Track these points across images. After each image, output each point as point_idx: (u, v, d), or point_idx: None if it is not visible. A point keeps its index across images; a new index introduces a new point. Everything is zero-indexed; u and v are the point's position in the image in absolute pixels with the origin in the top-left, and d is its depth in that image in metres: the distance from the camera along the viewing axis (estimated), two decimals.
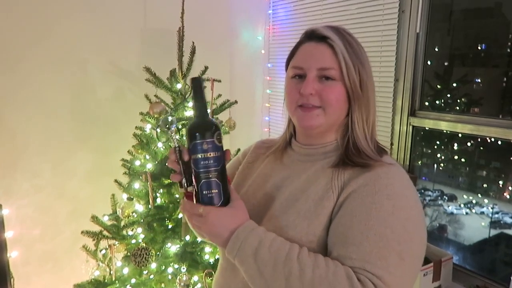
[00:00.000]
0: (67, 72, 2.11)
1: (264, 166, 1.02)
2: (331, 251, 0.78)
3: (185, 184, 0.82)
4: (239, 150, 1.98)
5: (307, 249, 0.76)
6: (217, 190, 0.79)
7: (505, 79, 1.87)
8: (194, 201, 0.80)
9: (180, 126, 1.76)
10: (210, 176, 0.78)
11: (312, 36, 0.89)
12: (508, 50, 1.84)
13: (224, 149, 0.81)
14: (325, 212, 0.81)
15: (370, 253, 0.72)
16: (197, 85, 0.82)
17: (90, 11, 2.12)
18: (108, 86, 2.24)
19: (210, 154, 0.78)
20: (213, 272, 1.64)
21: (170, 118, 0.89)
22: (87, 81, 2.17)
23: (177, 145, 0.82)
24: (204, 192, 0.79)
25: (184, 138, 1.74)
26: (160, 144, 1.75)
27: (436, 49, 2.04)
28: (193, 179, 0.80)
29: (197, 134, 0.78)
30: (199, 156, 0.78)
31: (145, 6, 2.28)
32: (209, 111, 1.81)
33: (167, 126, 0.89)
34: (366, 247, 0.73)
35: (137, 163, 1.77)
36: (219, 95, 1.92)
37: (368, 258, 0.72)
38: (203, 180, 0.78)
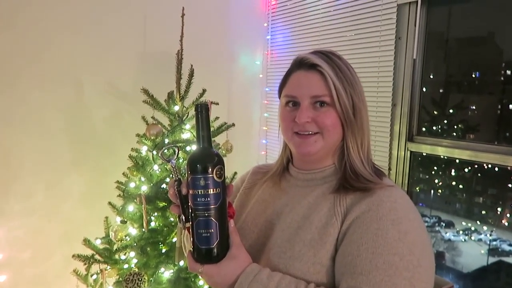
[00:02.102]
0: (64, 92, 2.10)
1: (262, 192, 1.01)
2: (339, 282, 0.76)
3: (183, 220, 0.77)
4: (235, 173, 1.97)
5: (314, 286, 0.75)
6: (213, 230, 0.74)
7: (499, 106, 1.89)
8: (190, 237, 0.77)
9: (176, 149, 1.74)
10: (207, 214, 0.74)
11: (301, 64, 0.89)
12: (502, 78, 1.87)
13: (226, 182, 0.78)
14: (331, 239, 0.80)
15: (380, 283, 0.70)
16: (203, 111, 0.76)
17: (90, 32, 2.14)
18: (105, 107, 2.23)
19: (208, 191, 0.73)
20: None
21: (170, 149, 0.84)
22: (84, 102, 2.17)
23: (177, 178, 0.78)
24: (199, 230, 0.74)
25: (181, 160, 1.73)
26: (156, 167, 1.73)
27: (431, 76, 2.06)
28: (191, 216, 0.76)
29: (196, 167, 0.74)
30: (196, 192, 0.74)
31: (145, 28, 2.31)
32: None
33: (167, 158, 0.85)
34: (376, 277, 0.71)
35: (132, 185, 1.75)
36: (217, 118, 1.92)
37: None
38: (199, 218, 0.74)
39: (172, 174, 0.80)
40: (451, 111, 2.10)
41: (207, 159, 0.74)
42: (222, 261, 0.76)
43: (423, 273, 0.74)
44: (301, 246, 0.81)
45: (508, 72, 1.83)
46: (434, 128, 2.12)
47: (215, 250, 0.76)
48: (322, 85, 0.85)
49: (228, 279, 0.76)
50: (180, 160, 1.74)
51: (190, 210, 0.76)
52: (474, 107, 2.00)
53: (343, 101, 0.85)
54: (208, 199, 0.73)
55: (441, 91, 2.11)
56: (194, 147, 1.77)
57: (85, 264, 1.67)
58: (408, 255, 0.73)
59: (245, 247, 0.82)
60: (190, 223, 0.76)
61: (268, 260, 0.84)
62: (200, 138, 0.77)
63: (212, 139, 1.84)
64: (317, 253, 0.79)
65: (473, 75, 2.00)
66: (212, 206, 0.74)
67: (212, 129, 1.87)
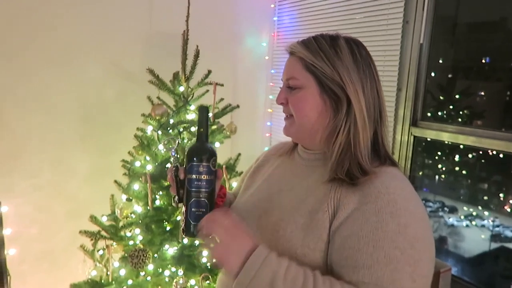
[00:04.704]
0: (70, 70, 2.11)
1: (273, 170, 1.03)
2: (341, 275, 0.75)
3: (177, 201, 0.89)
4: (239, 154, 1.99)
5: (320, 274, 0.74)
6: (205, 210, 0.85)
7: (508, 92, 1.87)
8: (183, 217, 0.86)
9: (181, 129, 1.76)
10: (201, 196, 0.85)
11: (286, 49, 0.93)
12: None
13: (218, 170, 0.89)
14: (320, 224, 0.80)
15: (382, 277, 0.70)
16: (204, 113, 0.89)
17: (96, 11, 2.14)
18: (111, 86, 2.25)
19: (203, 177, 0.85)
20: (209, 276, 1.63)
21: (175, 141, 1.01)
22: (90, 80, 2.18)
23: (175, 165, 0.91)
24: (193, 209, 0.85)
25: (185, 141, 1.75)
26: (160, 146, 1.75)
27: (440, 61, 2.04)
28: (185, 197, 0.87)
29: (195, 157, 0.85)
30: (193, 176, 0.85)
31: (151, 8, 2.30)
32: (210, 114, 1.84)
33: (170, 147, 1.00)
34: (377, 271, 0.71)
35: (137, 164, 1.77)
36: (222, 99, 1.93)
37: (380, 283, 0.70)
38: (193, 199, 0.85)
39: (172, 161, 0.93)
40: (457, 96, 2.09)
41: (206, 151, 0.87)
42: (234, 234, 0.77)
43: (424, 267, 0.73)
44: (293, 228, 0.83)
45: None
46: (440, 113, 2.12)
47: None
48: (295, 67, 0.88)
49: (238, 252, 0.75)
50: (185, 140, 1.76)
51: (185, 193, 0.87)
52: (482, 93, 1.99)
53: (323, 80, 0.85)
54: (204, 183, 0.85)
55: (449, 76, 2.10)
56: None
57: (91, 240, 1.71)
58: (409, 249, 0.72)
59: (245, 220, 0.87)
60: (183, 204, 0.87)
61: (262, 235, 0.87)
62: (200, 134, 0.89)
63: (217, 120, 1.87)
64: (306, 236, 0.80)
65: (483, 61, 1.97)
66: (206, 190, 0.85)
67: (216, 110, 1.88)
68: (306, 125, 0.88)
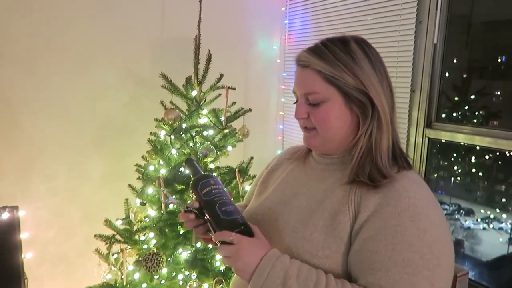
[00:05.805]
0: (84, 76, 2.15)
1: (287, 174, 1.03)
2: (357, 278, 0.76)
3: (213, 230, 0.84)
4: (252, 158, 1.99)
5: (333, 277, 0.75)
6: (232, 206, 0.85)
7: None
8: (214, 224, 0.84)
9: (194, 133, 1.77)
10: (223, 197, 0.86)
11: (297, 61, 0.90)
12: None
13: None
14: (341, 227, 0.80)
15: (399, 280, 0.70)
16: (190, 164, 0.97)
17: (108, 16, 2.17)
18: (124, 92, 2.27)
19: (218, 186, 0.88)
20: (223, 280, 1.64)
21: (168, 196, 1.07)
22: (104, 86, 2.21)
23: (185, 207, 0.90)
24: (223, 209, 0.84)
25: (198, 145, 1.76)
26: (173, 151, 1.76)
27: (455, 61, 2.01)
28: (209, 211, 0.85)
29: (204, 176, 0.90)
30: (209, 188, 0.87)
31: (163, 13, 2.32)
32: (222, 118, 1.85)
33: (166, 200, 1.02)
34: (395, 274, 0.71)
35: (151, 168, 1.79)
36: (234, 103, 1.93)
37: (397, 286, 0.70)
38: (218, 202, 0.85)
39: (179, 207, 0.95)
40: (473, 97, 2.05)
41: (207, 173, 0.93)
42: (252, 238, 0.80)
43: (443, 273, 0.73)
44: (313, 229, 0.82)
45: None
46: (455, 114, 2.08)
47: (241, 218, 0.84)
48: (313, 82, 0.85)
49: (255, 257, 0.77)
50: (198, 145, 1.78)
51: (209, 213, 0.85)
52: (498, 93, 1.95)
53: (343, 88, 0.83)
54: (221, 190, 0.88)
55: (464, 76, 2.06)
56: (209, 132, 1.81)
57: (106, 243, 1.73)
58: (428, 254, 0.72)
59: (260, 223, 0.88)
60: (208, 215, 0.86)
61: (280, 238, 0.86)
62: (195, 173, 0.94)
63: (229, 124, 1.88)
64: (327, 238, 0.80)
65: (499, 60, 1.94)
66: (224, 192, 0.88)
67: (229, 114, 1.89)
68: (335, 136, 0.87)
